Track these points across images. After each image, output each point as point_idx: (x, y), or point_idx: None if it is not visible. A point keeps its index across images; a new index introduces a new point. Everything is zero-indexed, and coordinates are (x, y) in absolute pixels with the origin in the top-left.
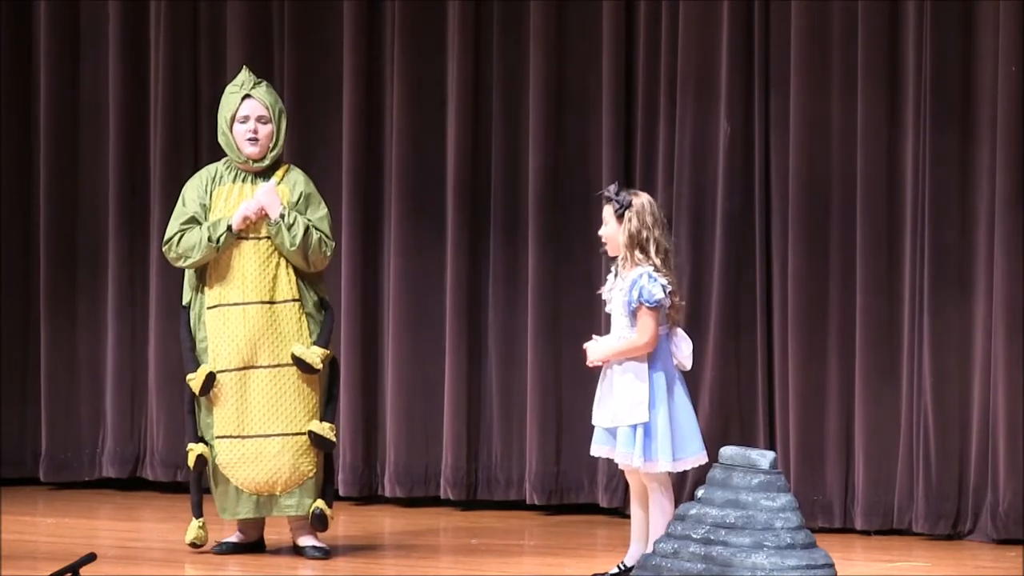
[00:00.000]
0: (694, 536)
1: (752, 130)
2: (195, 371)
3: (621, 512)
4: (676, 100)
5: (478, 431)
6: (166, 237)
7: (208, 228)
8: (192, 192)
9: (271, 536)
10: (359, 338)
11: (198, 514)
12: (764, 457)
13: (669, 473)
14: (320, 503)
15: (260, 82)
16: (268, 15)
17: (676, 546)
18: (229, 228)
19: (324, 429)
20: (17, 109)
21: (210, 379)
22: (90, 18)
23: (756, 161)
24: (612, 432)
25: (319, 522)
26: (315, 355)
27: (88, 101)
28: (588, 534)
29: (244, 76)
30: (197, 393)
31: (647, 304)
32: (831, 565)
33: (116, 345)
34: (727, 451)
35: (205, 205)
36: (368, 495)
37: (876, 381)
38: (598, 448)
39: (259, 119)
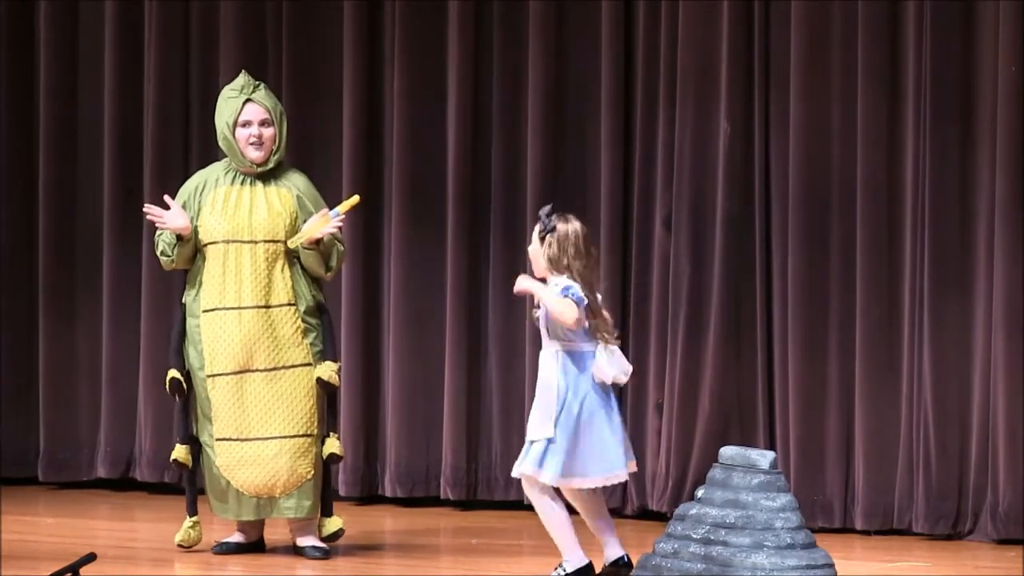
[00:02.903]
0: (694, 536)
1: (752, 130)
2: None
3: (619, 513)
4: (676, 100)
5: (478, 431)
6: (155, 236)
7: (162, 242)
8: (181, 199)
9: (271, 536)
10: (360, 339)
11: (192, 512)
12: (764, 457)
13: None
14: (338, 523)
15: (259, 85)
16: (263, 16)
17: (676, 546)
18: (180, 238)
19: (335, 446)
20: (18, 112)
21: (175, 384)
22: (89, 21)
23: (756, 161)
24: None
25: (334, 539)
26: (334, 373)
27: (87, 102)
28: (587, 534)
29: (243, 80)
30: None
31: (573, 298)
32: (831, 565)
33: (111, 346)
34: (727, 451)
35: (192, 219)
36: (369, 495)
37: (876, 381)
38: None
39: (262, 123)
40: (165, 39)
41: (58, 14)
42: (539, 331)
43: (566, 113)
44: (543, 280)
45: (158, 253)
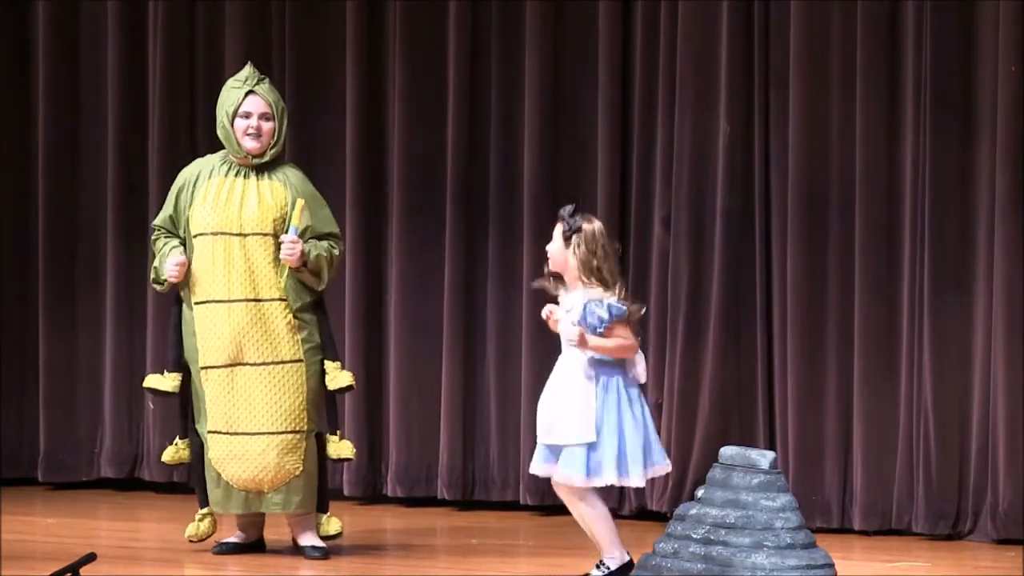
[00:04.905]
0: (694, 536)
1: (752, 130)
2: (171, 369)
3: (618, 513)
4: (675, 100)
5: (474, 432)
6: (153, 224)
7: (155, 269)
8: (177, 185)
9: (271, 536)
10: (363, 339)
11: (203, 504)
12: (764, 457)
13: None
14: (337, 524)
15: (263, 79)
16: (267, 16)
17: (676, 546)
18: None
19: (348, 449)
20: (16, 109)
21: (150, 390)
22: (89, 19)
23: (756, 161)
24: (555, 449)
25: (333, 539)
26: (340, 376)
27: (87, 101)
28: (585, 535)
29: (248, 71)
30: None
31: (618, 317)
32: (831, 565)
33: (114, 345)
34: (727, 451)
35: (184, 209)
36: (372, 495)
37: (875, 381)
38: (539, 466)
39: (261, 116)
40: (169, 39)
41: (58, 13)
42: (541, 330)
43: (564, 113)
44: (559, 275)
45: (151, 279)
